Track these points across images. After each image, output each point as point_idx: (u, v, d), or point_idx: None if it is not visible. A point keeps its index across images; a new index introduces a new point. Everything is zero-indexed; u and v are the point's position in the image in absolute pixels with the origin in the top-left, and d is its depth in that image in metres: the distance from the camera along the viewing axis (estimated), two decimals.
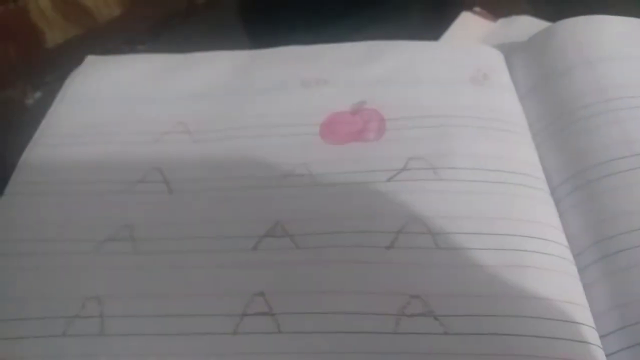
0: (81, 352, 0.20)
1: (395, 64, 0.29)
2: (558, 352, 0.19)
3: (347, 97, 0.28)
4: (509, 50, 0.31)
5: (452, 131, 0.25)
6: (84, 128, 0.28)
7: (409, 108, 0.27)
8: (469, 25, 0.35)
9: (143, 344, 0.20)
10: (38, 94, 0.33)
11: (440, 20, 0.36)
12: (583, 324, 0.20)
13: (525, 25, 0.34)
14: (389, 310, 0.20)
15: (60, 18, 0.43)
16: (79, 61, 0.32)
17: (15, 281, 0.22)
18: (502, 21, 0.35)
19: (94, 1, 0.44)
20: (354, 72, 0.29)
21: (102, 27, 0.41)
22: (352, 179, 0.24)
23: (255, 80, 0.30)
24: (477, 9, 0.36)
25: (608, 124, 0.25)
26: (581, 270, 0.22)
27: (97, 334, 0.20)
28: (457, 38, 0.34)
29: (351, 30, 0.35)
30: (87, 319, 0.21)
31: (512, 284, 0.20)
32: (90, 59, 0.32)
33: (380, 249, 0.22)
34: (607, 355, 0.20)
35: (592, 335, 0.20)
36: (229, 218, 0.23)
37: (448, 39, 0.34)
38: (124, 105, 0.29)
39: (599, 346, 0.20)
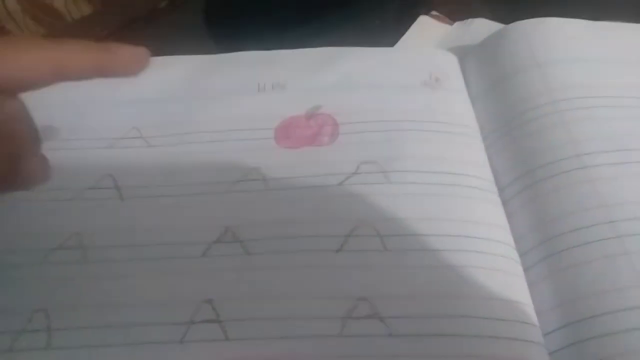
0: None
1: (349, 69, 0.30)
2: (502, 352, 0.19)
3: (302, 102, 0.28)
4: (464, 53, 0.32)
5: (403, 135, 0.26)
6: None
7: (362, 113, 0.27)
8: (426, 29, 0.36)
9: (90, 356, 0.20)
10: None
11: (400, 23, 0.36)
12: (527, 323, 0.20)
13: (481, 28, 0.35)
14: (336, 313, 0.20)
15: (29, 19, 0.42)
16: None
17: None
18: (458, 24, 0.36)
19: (64, 3, 0.43)
20: (310, 77, 0.29)
21: (69, 27, 0.41)
22: (304, 183, 0.25)
23: (211, 85, 0.30)
24: (435, 12, 0.37)
25: (555, 125, 0.25)
26: (527, 269, 0.22)
27: (44, 347, 0.20)
28: (415, 41, 0.34)
29: (313, 35, 0.35)
30: (34, 332, 0.21)
31: (457, 284, 0.21)
32: None
33: (329, 252, 0.22)
34: (550, 353, 0.20)
35: (535, 334, 0.20)
36: (179, 225, 0.23)
37: (406, 42, 0.34)
38: (78, 109, 0.29)
39: (541, 344, 0.20)
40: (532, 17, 0.31)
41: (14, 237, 0.24)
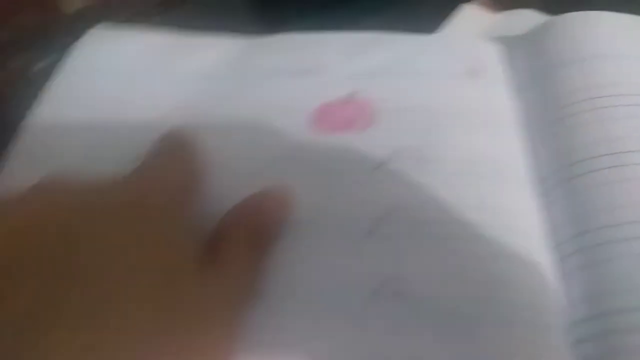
0: None
1: (388, 55, 0.30)
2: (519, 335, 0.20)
3: (339, 87, 0.28)
4: (508, 44, 0.31)
5: (439, 123, 0.26)
6: (80, 100, 0.29)
7: (399, 100, 0.27)
8: (470, 17, 0.36)
9: None
10: (42, 63, 0.33)
11: (445, 9, 0.36)
12: (546, 310, 0.21)
13: (528, 19, 0.34)
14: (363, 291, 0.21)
15: None
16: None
17: None
18: (504, 14, 0.36)
19: None
20: (348, 62, 0.30)
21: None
22: (338, 167, 0.25)
23: (251, 68, 0.30)
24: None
25: (592, 122, 0.25)
26: (562, 259, 0.23)
27: None
28: (458, 29, 0.34)
29: (355, 17, 0.35)
30: None
31: (484, 269, 0.21)
32: (94, 31, 0.32)
33: (360, 236, 0.23)
34: (577, 342, 0.21)
35: (555, 321, 0.21)
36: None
37: (449, 29, 0.34)
38: (125, 79, 0.29)
39: (561, 332, 0.21)
40: (585, 10, 0.30)
41: None
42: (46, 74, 0.30)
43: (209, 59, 0.31)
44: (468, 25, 0.35)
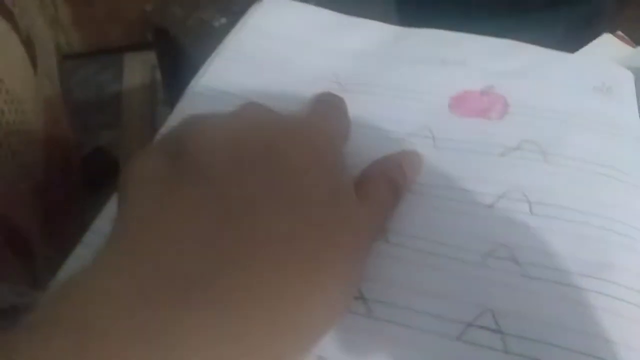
0: None
1: (528, 62, 0.33)
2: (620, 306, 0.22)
3: (479, 79, 0.31)
4: (638, 74, 0.33)
5: (567, 126, 0.28)
6: (249, 56, 0.33)
7: (532, 99, 0.30)
8: (607, 45, 0.38)
9: None
10: (224, 20, 0.38)
11: (581, 37, 0.38)
12: None
13: None
14: (480, 248, 0.24)
15: None
16: None
17: None
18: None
19: None
20: (490, 61, 0.33)
21: None
22: (468, 148, 0.28)
23: (400, 51, 0.34)
24: (619, 32, 0.38)
25: None
26: None
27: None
28: (594, 54, 0.37)
29: (491, 29, 0.38)
30: None
31: (592, 248, 0.24)
32: None
33: (481, 206, 0.25)
34: None
35: None
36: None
37: (585, 53, 0.37)
38: (291, 46, 0.34)
39: None
40: None
41: None
42: (226, 29, 0.35)
43: (363, 39, 0.35)
44: (604, 52, 0.37)
